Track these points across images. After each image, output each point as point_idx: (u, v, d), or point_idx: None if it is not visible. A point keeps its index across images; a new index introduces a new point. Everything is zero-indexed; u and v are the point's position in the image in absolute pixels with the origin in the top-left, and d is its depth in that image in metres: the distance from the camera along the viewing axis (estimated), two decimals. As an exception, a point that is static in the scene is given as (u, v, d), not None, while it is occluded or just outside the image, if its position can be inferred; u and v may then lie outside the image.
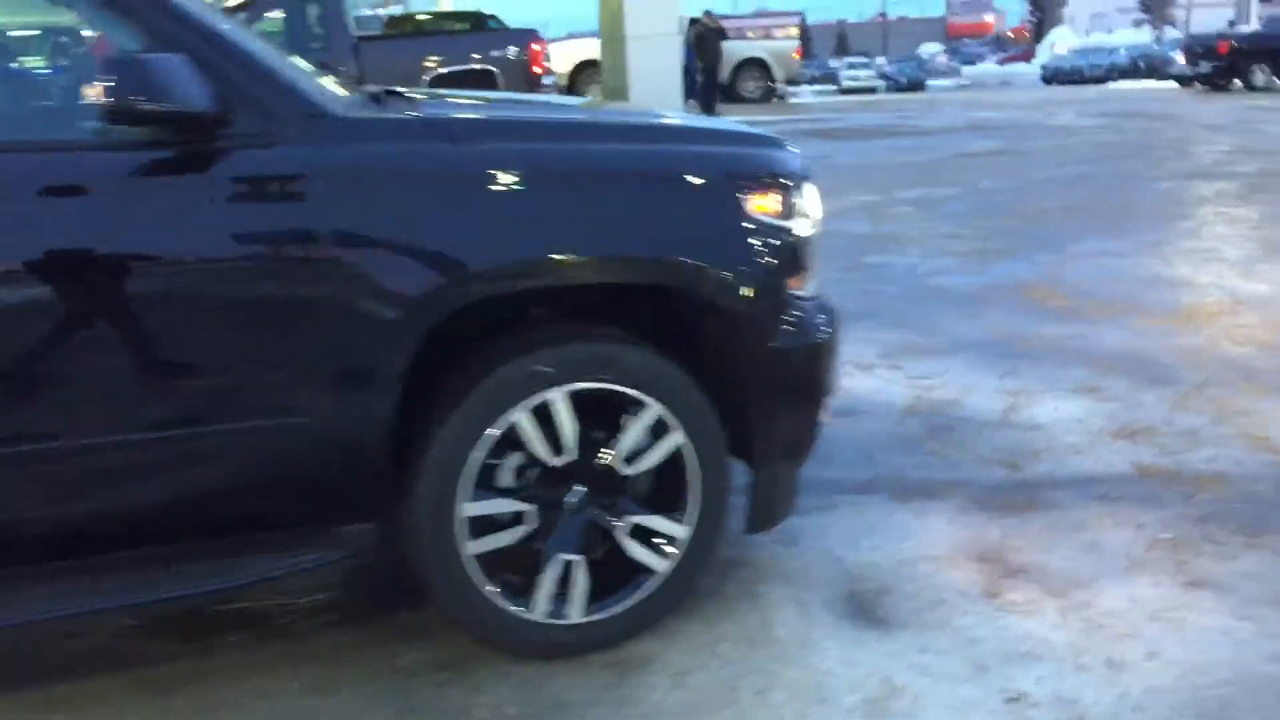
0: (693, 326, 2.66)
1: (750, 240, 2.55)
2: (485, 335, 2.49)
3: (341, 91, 2.59)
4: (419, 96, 3.00)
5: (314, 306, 2.23)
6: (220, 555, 2.31)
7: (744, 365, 2.60)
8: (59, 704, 2.44)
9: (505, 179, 2.38)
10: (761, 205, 2.57)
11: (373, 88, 3.00)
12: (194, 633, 2.70)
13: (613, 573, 2.57)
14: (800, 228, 2.64)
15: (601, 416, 2.50)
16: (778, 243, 2.58)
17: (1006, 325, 5.22)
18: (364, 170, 2.29)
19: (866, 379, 4.44)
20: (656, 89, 14.49)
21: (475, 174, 2.37)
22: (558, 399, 2.42)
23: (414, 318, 2.29)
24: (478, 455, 2.38)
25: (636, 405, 2.49)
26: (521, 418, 2.40)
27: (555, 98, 4.02)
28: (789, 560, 2.97)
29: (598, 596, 2.55)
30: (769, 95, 23.84)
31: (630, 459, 2.53)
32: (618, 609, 2.57)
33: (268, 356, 2.26)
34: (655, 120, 2.98)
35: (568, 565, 2.50)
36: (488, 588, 2.45)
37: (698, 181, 2.54)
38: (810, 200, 2.71)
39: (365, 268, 2.26)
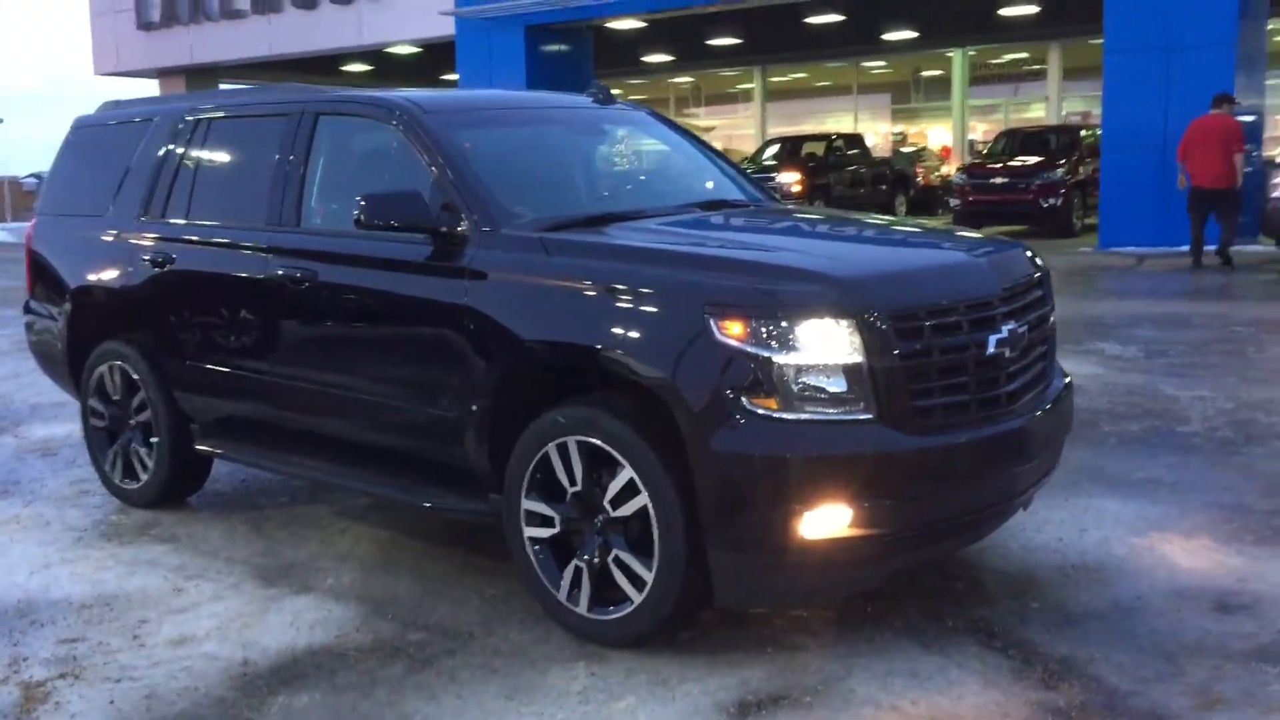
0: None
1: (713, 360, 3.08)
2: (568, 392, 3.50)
3: (528, 213, 3.81)
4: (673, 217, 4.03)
5: (459, 345, 3.61)
6: (413, 482, 3.92)
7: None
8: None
9: (563, 285, 3.41)
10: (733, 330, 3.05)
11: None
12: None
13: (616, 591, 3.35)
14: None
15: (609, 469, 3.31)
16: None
17: None
18: (493, 268, 3.56)
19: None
20: None
21: (545, 279, 3.46)
22: (570, 443, 3.34)
23: (492, 366, 3.54)
24: (530, 469, 3.46)
25: (618, 465, 3.24)
26: (551, 450, 3.40)
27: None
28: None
29: (602, 603, 3.36)
30: None
31: (615, 505, 3.28)
32: (606, 618, 3.35)
33: (434, 367, 3.74)
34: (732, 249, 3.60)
35: (578, 568, 3.39)
36: (538, 562, 3.50)
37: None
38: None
39: (483, 329, 3.55)
